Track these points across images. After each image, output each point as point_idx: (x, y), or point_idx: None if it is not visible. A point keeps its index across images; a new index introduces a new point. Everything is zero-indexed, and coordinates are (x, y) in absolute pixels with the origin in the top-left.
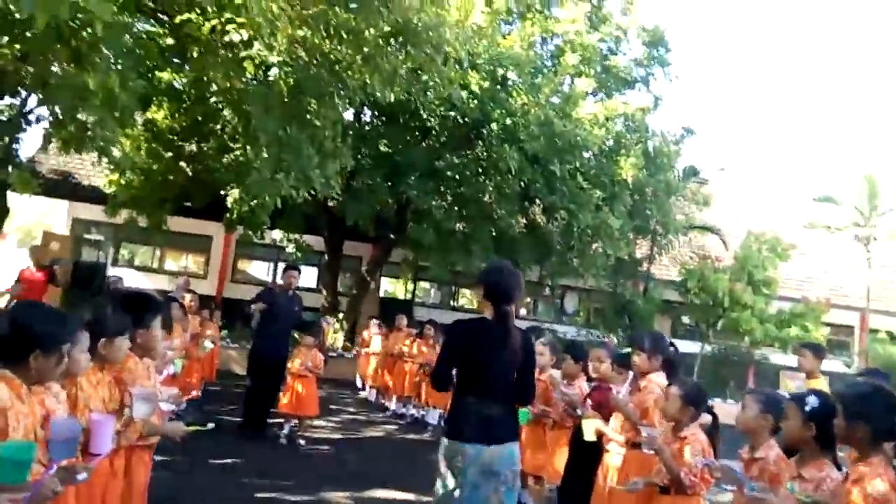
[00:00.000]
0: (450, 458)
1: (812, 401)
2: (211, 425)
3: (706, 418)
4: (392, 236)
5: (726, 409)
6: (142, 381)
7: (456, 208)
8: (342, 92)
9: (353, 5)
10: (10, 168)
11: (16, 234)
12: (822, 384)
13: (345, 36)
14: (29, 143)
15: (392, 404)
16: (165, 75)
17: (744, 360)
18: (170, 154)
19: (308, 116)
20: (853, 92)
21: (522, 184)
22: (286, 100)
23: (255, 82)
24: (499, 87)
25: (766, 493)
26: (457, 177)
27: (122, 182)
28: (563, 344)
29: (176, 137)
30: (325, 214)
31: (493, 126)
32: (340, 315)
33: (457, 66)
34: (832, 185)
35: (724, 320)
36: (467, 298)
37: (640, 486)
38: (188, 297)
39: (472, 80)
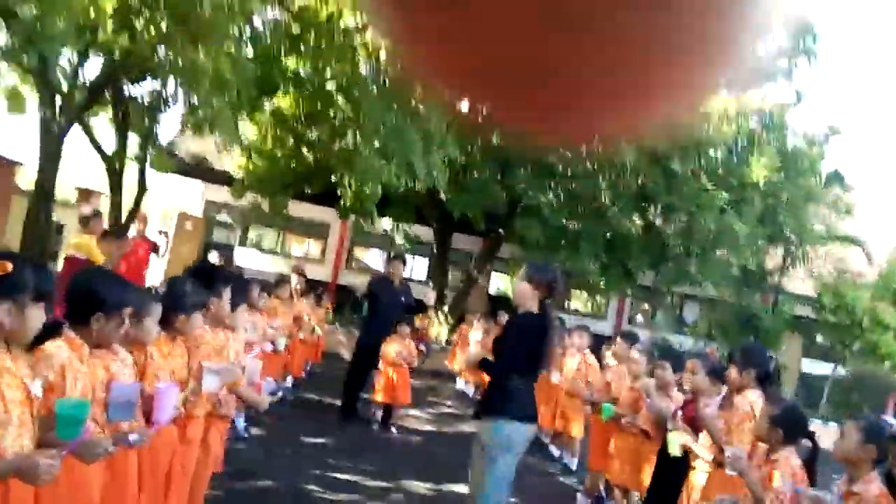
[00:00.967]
0: (512, 436)
1: None
2: (280, 394)
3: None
4: (501, 231)
5: None
6: (215, 354)
7: (567, 205)
8: None
9: None
10: (149, 149)
11: (156, 215)
12: None
13: None
14: (169, 126)
15: None
16: (291, 62)
17: (882, 386)
18: (292, 141)
19: (413, 104)
20: None
21: (640, 182)
22: (392, 87)
23: (365, 69)
24: None
25: None
26: (569, 172)
27: (250, 166)
28: (674, 355)
29: (299, 124)
30: (435, 206)
31: None
32: (446, 308)
33: None
34: None
35: (862, 341)
36: (579, 299)
37: None
38: (294, 280)
39: None
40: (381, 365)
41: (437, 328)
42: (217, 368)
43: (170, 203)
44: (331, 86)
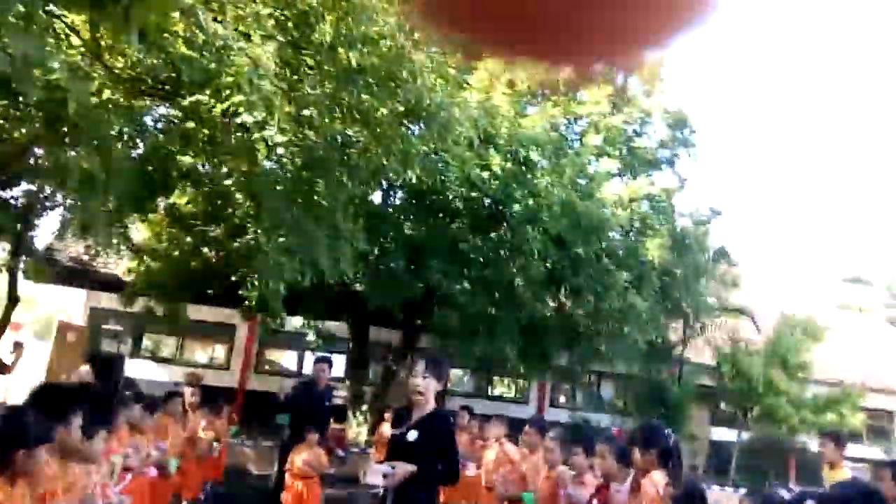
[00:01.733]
0: None
1: None
2: None
3: None
4: (419, 322)
5: None
6: (64, 493)
7: (481, 292)
8: (355, 173)
9: (360, 84)
10: (22, 257)
11: (33, 325)
12: (846, 475)
13: (357, 116)
14: (46, 231)
15: None
16: (187, 159)
17: (783, 449)
18: (189, 239)
19: (316, 198)
20: (884, 171)
21: (548, 266)
22: (293, 181)
23: (266, 164)
24: (523, 167)
25: None
26: (481, 259)
27: (141, 269)
28: (596, 434)
29: (197, 222)
30: (350, 300)
31: (516, 207)
32: (364, 407)
33: (471, 147)
34: (863, 265)
35: (760, 407)
36: (504, 387)
37: None
38: (189, 392)
39: (493, 161)
40: (287, 478)
41: (356, 429)
42: None
43: (52, 310)
44: (229, 182)
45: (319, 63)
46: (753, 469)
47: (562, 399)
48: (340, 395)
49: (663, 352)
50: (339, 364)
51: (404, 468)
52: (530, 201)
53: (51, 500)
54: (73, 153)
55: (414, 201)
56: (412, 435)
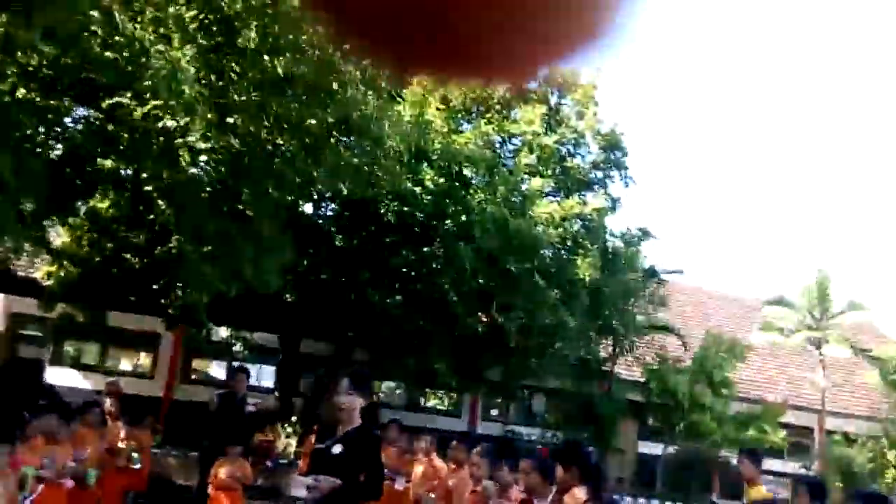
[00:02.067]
0: None
1: None
2: None
3: None
4: (351, 335)
5: None
6: None
7: (413, 307)
8: (282, 183)
9: (289, 93)
10: None
11: None
12: (761, 491)
13: (285, 126)
14: None
15: None
16: (109, 162)
17: (707, 462)
18: (110, 245)
19: (241, 208)
20: (807, 193)
21: (480, 282)
22: (217, 190)
23: (188, 170)
24: (456, 183)
25: None
26: (413, 274)
27: (61, 274)
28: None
29: (120, 227)
30: (279, 311)
31: (449, 222)
32: (294, 419)
33: (402, 162)
34: (786, 286)
35: (685, 422)
36: (437, 399)
37: None
38: (108, 402)
39: (425, 176)
40: (210, 489)
41: (285, 441)
42: None
43: None
44: (150, 188)
45: (244, 69)
46: (678, 482)
47: (494, 412)
48: (266, 405)
49: (594, 367)
50: (269, 375)
51: (328, 481)
52: (463, 217)
53: None
54: None
55: (346, 213)
56: (336, 448)
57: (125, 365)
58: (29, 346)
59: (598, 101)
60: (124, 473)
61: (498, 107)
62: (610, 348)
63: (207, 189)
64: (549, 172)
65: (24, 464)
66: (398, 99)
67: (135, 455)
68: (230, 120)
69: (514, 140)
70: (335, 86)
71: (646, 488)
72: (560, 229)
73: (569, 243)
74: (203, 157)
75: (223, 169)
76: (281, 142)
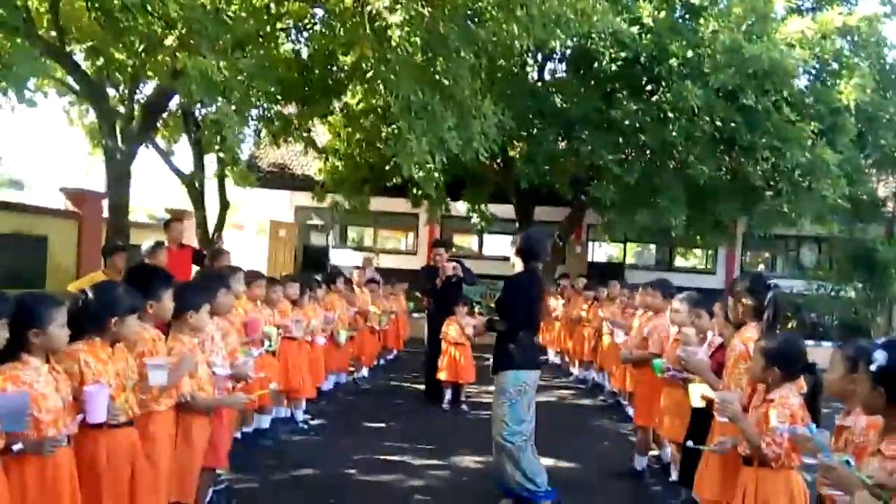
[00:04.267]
0: (527, 382)
1: (879, 357)
2: (273, 386)
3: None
4: (583, 197)
5: None
6: (155, 351)
7: (638, 160)
8: (478, 46)
9: None
10: (228, 166)
11: (253, 226)
12: None
13: None
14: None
15: (575, 369)
16: (349, 58)
17: None
18: (358, 136)
19: (437, 77)
20: None
21: (715, 123)
22: (416, 61)
23: (386, 48)
24: (680, 16)
25: (836, 463)
26: (637, 125)
27: (327, 167)
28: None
29: (368, 118)
30: (512, 181)
31: (673, 61)
32: None
33: None
34: None
35: None
36: (685, 257)
37: (727, 446)
38: (356, 273)
39: (643, 12)
40: (443, 345)
41: None
42: (160, 363)
43: (262, 214)
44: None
45: None
46: None
47: (761, 267)
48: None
49: (869, 208)
50: (506, 244)
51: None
52: (689, 53)
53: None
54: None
55: (564, 73)
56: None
57: (394, 244)
58: (316, 233)
59: None
60: (377, 334)
61: None
62: (892, 185)
63: (407, 63)
64: None
65: (268, 324)
66: None
67: (382, 319)
68: None
69: None
70: None
71: None
72: (817, 49)
73: (831, 64)
74: (397, 32)
75: (417, 40)
76: (468, 1)
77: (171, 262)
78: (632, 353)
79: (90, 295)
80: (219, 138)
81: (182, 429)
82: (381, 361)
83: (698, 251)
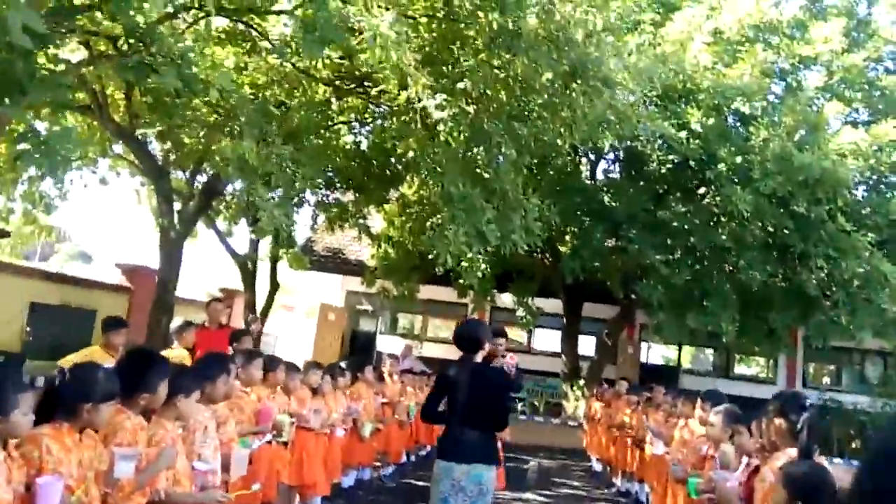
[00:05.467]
0: (436, 474)
1: None
2: (256, 487)
3: None
4: (633, 296)
5: None
6: (134, 443)
7: (686, 262)
8: (522, 141)
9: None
10: (282, 249)
11: (302, 308)
12: None
13: (511, 84)
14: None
15: (618, 480)
16: (410, 152)
17: None
18: (409, 225)
19: (478, 171)
20: None
21: (767, 229)
22: (459, 156)
23: (434, 142)
24: (730, 121)
25: None
26: (685, 227)
27: (380, 254)
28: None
29: (423, 208)
30: (559, 275)
31: (721, 166)
32: (581, 381)
33: (650, 103)
34: None
35: None
36: (746, 364)
37: None
38: (389, 362)
39: (690, 118)
40: None
41: (574, 403)
42: (130, 454)
43: (313, 297)
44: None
45: (465, 30)
46: None
47: (826, 380)
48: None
49: None
50: (553, 339)
51: None
52: (738, 159)
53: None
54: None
55: (619, 173)
56: None
57: (444, 332)
58: (366, 319)
59: None
60: (407, 427)
61: (787, 29)
62: None
63: (450, 155)
64: (855, 95)
65: (283, 412)
66: (630, 29)
67: (412, 409)
68: (461, 85)
69: (808, 64)
70: (562, 36)
71: None
72: (872, 161)
73: (888, 176)
74: (441, 127)
75: (461, 136)
76: (512, 100)
77: (209, 341)
78: (677, 473)
79: (67, 376)
80: (252, 220)
81: None
82: (412, 458)
83: (761, 359)
